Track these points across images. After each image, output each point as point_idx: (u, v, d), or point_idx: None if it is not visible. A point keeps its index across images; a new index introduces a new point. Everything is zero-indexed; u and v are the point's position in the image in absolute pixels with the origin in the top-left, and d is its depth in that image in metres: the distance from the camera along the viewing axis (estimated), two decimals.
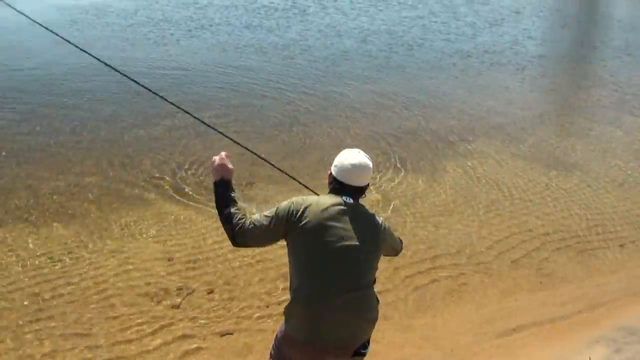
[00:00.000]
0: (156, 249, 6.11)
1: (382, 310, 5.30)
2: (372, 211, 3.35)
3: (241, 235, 3.14)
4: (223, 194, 3.24)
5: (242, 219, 3.16)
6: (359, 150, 3.41)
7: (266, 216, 3.19)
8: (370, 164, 3.38)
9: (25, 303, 5.19)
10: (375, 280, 3.27)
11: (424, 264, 6.34)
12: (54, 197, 6.91)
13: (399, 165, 8.64)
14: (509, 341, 5.37)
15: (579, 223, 7.51)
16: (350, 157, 3.33)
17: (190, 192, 7.18)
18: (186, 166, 7.78)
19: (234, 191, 3.27)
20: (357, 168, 3.30)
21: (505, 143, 9.95)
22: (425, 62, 14.81)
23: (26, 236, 6.13)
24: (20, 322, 4.96)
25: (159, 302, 5.35)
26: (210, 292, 5.54)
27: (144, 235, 6.33)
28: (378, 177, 8.05)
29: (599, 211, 7.88)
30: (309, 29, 17.14)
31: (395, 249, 3.65)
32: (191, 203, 6.98)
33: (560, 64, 16.64)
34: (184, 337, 4.99)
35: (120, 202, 6.92)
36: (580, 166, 9.29)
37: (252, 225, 3.15)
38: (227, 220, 3.16)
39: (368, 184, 3.43)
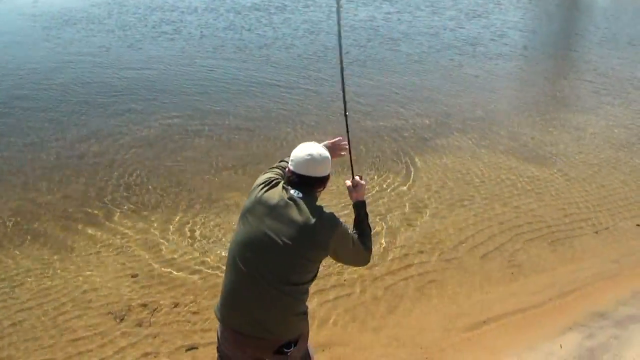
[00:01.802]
0: (119, 267, 6.03)
1: (351, 312, 5.30)
2: (325, 217, 3.17)
3: None
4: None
5: None
6: (315, 142, 3.36)
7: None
8: (327, 155, 3.31)
9: None
10: (306, 282, 3.19)
11: (394, 264, 6.28)
12: (12, 219, 6.82)
13: (372, 162, 8.66)
14: (478, 334, 5.31)
15: (552, 213, 7.47)
16: (306, 148, 3.27)
17: (149, 210, 7.10)
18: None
19: None
20: (312, 157, 3.23)
21: (480, 136, 9.92)
22: (406, 56, 14.93)
23: None
24: None
25: (121, 321, 5.27)
26: (175, 306, 5.46)
27: (106, 254, 6.25)
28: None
29: (572, 200, 7.85)
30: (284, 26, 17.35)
31: (351, 258, 3.43)
32: (153, 219, 6.90)
33: (543, 54, 16.69)
34: (146, 354, 4.91)
35: (81, 223, 6.83)
36: (555, 156, 9.27)
37: None
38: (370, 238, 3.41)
39: (326, 177, 3.34)
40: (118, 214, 6.99)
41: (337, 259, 3.38)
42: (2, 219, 6.79)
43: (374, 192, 7.74)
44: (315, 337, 5.01)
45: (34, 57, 13.45)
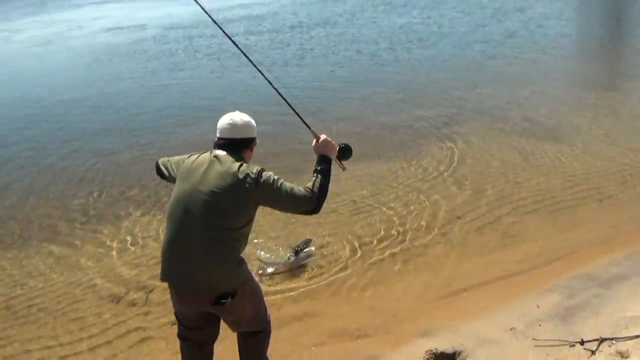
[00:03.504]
0: (123, 258, 6.44)
1: (333, 286, 5.47)
2: (246, 166, 3.43)
3: None
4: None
5: None
6: (239, 111, 3.68)
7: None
8: (247, 119, 3.64)
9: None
10: (235, 229, 3.39)
11: (384, 239, 6.42)
12: (37, 221, 7.40)
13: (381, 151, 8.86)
14: (455, 300, 5.35)
15: (557, 185, 7.42)
16: (228, 115, 3.65)
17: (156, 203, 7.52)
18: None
19: None
20: (233, 121, 3.59)
21: (494, 120, 9.96)
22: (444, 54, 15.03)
23: (2, 259, 6.63)
24: None
25: (118, 302, 5.65)
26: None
27: (112, 246, 6.70)
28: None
29: (579, 171, 7.79)
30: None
31: (287, 205, 3.51)
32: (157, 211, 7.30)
33: (582, 40, 16.39)
34: (137, 328, 5.25)
35: (93, 221, 7.36)
36: (566, 133, 9.21)
37: None
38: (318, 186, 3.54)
39: (250, 140, 3.65)
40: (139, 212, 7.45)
41: (273, 207, 3.58)
42: (29, 223, 7.38)
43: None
44: (291, 309, 5.28)
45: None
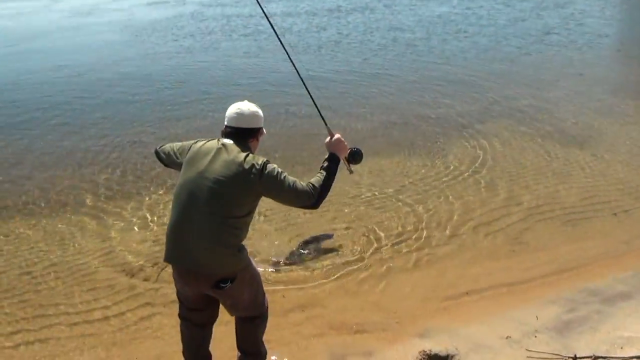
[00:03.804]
0: (143, 234, 6.66)
1: (341, 280, 5.60)
2: (252, 157, 3.55)
3: None
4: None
5: None
6: (247, 101, 3.80)
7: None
8: (254, 109, 3.76)
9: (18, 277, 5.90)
10: (238, 217, 3.52)
11: (396, 239, 6.50)
12: (60, 193, 7.67)
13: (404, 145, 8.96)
14: (456, 303, 5.43)
15: (574, 194, 7.42)
16: (236, 104, 3.77)
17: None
18: None
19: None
20: (241, 111, 3.72)
21: (520, 122, 9.95)
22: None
23: (27, 228, 6.88)
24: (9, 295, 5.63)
25: (132, 276, 5.87)
26: None
27: (132, 221, 6.93)
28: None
29: (598, 182, 7.77)
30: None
31: (288, 198, 3.63)
32: None
33: (621, 42, 16.17)
34: (146, 304, 5.46)
35: (119, 196, 7.61)
36: (592, 140, 9.16)
37: None
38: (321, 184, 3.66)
39: (256, 130, 3.78)
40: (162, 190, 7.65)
41: (274, 198, 3.68)
42: (54, 194, 7.66)
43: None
44: (296, 299, 5.42)
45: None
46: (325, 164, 3.76)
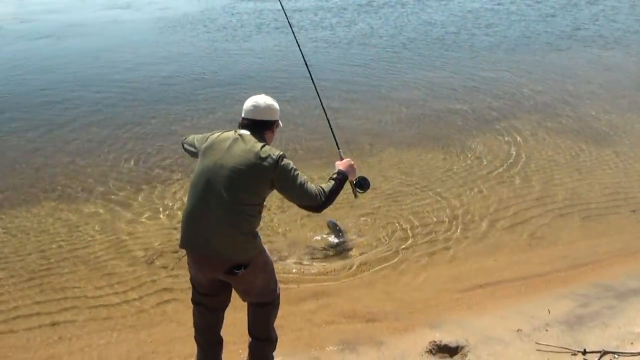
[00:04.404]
0: (163, 222, 6.80)
1: (353, 268, 5.67)
2: (269, 148, 3.66)
3: None
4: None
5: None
6: (264, 94, 3.91)
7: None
8: (270, 102, 3.86)
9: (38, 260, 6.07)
10: (252, 205, 3.60)
11: (411, 232, 6.54)
12: (86, 181, 7.85)
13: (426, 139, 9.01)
14: (469, 295, 5.46)
15: (594, 190, 7.39)
16: (253, 97, 3.89)
17: None
18: None
19: None
20: (257, 103, 3.83)
21: (545, 118, 9.90)
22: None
23: (50, 213, 7.08)
24: (29, 277, 5.81)
25: (151, 263, 6.00)
26: None
27: (157, 209, 7.07)
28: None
29: (618, 179, 7.71)
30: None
31: (295, 196, 3.70)
32: None
33: None
34: (164, 289, 5.60)
35: (144, 183, 7.76)
36: (616, 137, 9.09)
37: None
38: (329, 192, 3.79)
39: (272, 122, 3.89)
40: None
41: (282, 193, 3.75)
42: (80, 179, 7.87)
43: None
44: (310, 286, 5.53)
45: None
46: (334, 176, 3.90)
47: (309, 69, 4.63)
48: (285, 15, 4.61)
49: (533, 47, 14.80)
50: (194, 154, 3.97)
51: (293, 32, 4.67)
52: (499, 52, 14.47)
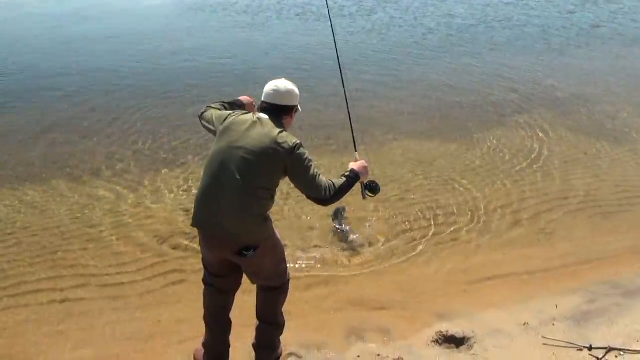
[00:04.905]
0: (177, 203, 6.82)
1: (364, 257, 5.68)
2: (286, 135, 3.68)
3: None
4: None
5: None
6: (284, 79, 3.93)
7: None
8: (290, 87, 3.88)
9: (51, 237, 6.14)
10: (266, 188, 3.64)
11: (422, 224, 6.55)
12: (103, 161, 7.92)
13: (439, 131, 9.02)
14: (477, 288, 5.48)
15: (606, 188, 7.37)
16: (273, 82, 3.89)
17: None
18: None
19: None
20: (277, 88, 3.85)
21: (558, 115, 9.83)
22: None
23: (67, 190, 7.15)
24: (41, 253, 5.87)
25: (163, 243, 6.05)
26: None
27: (168, 190, 7.10)
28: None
29: (631, 177, 7.69)
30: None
31: (305, 185, 3.71)
32: None
33: None
34: (174, 270, 5.64)
35: (157, 164, 7.82)
36: (630, 136, 9.06)
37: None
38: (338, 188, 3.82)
39: (291, 107, 3.90)
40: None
41: (293, 181, 3.77)
42: (101, 160, 7.94)
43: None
44: (320, 273, 5.60)
45: None
46: (346, 174, 3.92)
47: (340, 62, 4.73)
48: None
49: (552, 43, 14.70)
50: (212, 132, 3.97)
51: (331, 21, 4.69)
52: (517, 47, 14.43)
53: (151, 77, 11.62)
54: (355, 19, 17.20)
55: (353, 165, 4.04)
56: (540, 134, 8.99)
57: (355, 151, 4.35)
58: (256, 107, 4.10)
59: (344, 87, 4.64)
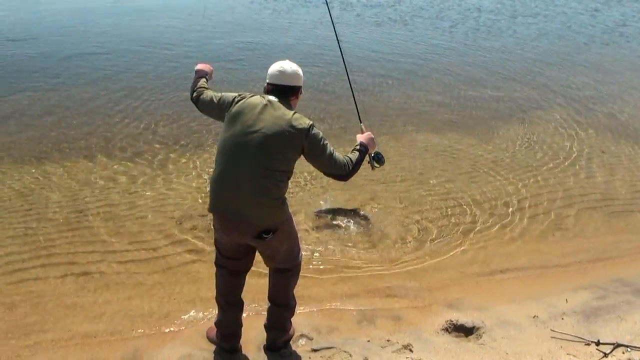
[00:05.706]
0: (197, 185, 6.93)
1: (380, 246, 5.74)
2: (299, 116, 3.71)
3: None
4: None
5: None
6: (288, 60, 3.95)
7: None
8: (295, 68, 3.90)
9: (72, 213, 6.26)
10: (282, 171, 3.67)
11: (440, 213, 6.63)
12: (125, 141, 8.04)
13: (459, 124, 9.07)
14: (489, 280, 5.54)
15: (622, 186, 7.40)
16: (279, 63, 3.90)
17: None
18: None
19: None
20: (283, 69, 3.85)
21: (577, 112, 9.86)
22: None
23: (87, 169, 7.26)
24: (61, 229, 6.00)
25: (180, 224, 6.14)
26: None
27: (189, 172, 7.23)
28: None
29: None
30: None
31: (325, 164, 3.79)
32: None
33: None
34: (190, 250, 5.73)
35: (178, 145, 7.93)
36: None
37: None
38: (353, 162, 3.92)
39: (297, 88, 3.92)
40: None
41: (312, 161, 3.82)
42: (118, 141, 8.05)
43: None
44: (336, 260, 5.65)
45: None
46: (358, 147, 4.00)
47: (340, 44, 4.79)
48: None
49: (577, 40, 14.65)
50: (206, 110, 4.04)
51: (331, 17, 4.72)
52: (543, 43, 14.42)
53: (170, 58, 11.77)
54: (383, 8, 17.32)
55: (361, 138, 4.10)
56: (561, 130, 9.01)
57: (360, 122, 4.42)
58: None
59: (343, 59, 4.69)
